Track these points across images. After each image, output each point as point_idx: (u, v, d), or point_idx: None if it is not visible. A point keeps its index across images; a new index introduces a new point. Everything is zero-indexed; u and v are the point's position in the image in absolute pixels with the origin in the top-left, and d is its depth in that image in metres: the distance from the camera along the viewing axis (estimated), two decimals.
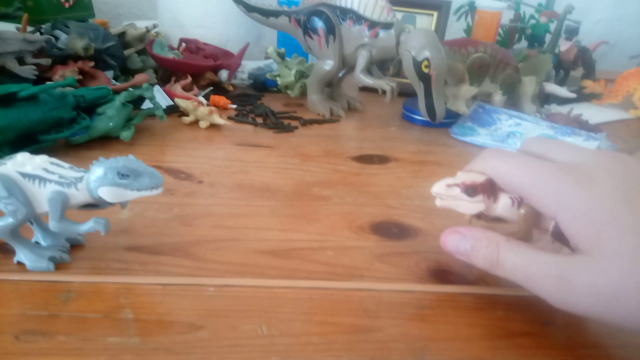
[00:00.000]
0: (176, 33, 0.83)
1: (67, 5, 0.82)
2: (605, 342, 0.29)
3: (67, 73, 0.60)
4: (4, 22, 0.68)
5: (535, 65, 0.71)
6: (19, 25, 0.62)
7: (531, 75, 0.68)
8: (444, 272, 0.35)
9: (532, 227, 0.29)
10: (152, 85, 0.65)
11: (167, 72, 0.72)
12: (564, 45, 0.81)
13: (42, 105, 0.46)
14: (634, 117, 0.75)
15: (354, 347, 0.27)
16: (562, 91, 0.71)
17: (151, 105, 0.55)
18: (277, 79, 0.73)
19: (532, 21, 0.91)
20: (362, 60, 0.61)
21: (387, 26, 0.59)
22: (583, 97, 0.80)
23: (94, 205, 0.32)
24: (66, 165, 0.31)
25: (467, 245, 0.29)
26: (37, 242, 0.33)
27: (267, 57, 0.78)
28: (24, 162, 0.30)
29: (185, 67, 0.70)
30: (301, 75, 0.72)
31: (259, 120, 0.63)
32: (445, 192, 0.30)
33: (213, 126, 0.59)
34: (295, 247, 0.36)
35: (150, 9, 1.10)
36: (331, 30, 0.62)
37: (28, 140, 0.46)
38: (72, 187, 0.30)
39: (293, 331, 0.28)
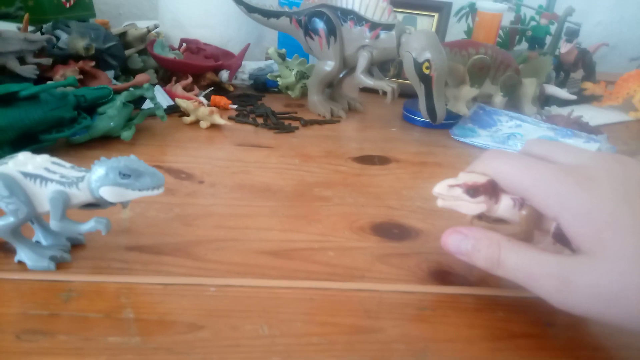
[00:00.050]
0: (177, 33, 0.83)
1: (67, 5, 0.82)
2: (606, 344, 0.29)
3: (68, 73, 0.60)
4: (5, 22, 0.68)
5: (536, 67, 0.71)
6: (20, 25, 0.62)
7: (532, 77, 0.68)
8: (445, 273, 0.35)
9: (533, 228, 0.29)
10: (153, 85, 0.65)
11: (167, 72, 0.72)
12: (564, 47, 0.81)
13: (43, 104, 0.46)
14: (634, 119, 0.75)
15: (355, 348, 0.27)
16: (563, 93, 0.71)
17: (152, 105, 0.55)
18: (278, 79, 0.73)
19: (533, 23, 0.91)
20: (363, 61, 0.61)
21: (388, 27, 0.59)
22: (583, 99, 0.80)
23: (95, 205, 0.32)
24: (67, 164, 0.31)
25: (468, 245, 0.29)
26: (37, 242, 0.33)
27: (267, 58, 0.78)
28: (25, 162, 0.30)
29: (186, 67, 0.70)
30: (302, 76, 0.72)
31: (260, 120, 0.63)
32: (447, 192, 0.30)
33: (214, 126, 0.59)
34: (296, 248, 0.36)
35: (150, 9, 1.10)
36: (332, 31, 0.62)
37: (29, 139, 0.46)
38: (73, 186, 0.30)
39: (294, 331, 0.28)
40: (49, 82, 0.51)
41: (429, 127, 0.64)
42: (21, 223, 0.30)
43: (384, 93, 0.61)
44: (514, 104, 0.69)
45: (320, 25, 0.63)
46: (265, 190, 0.45)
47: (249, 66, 0.79)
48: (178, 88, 0.66)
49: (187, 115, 0.60)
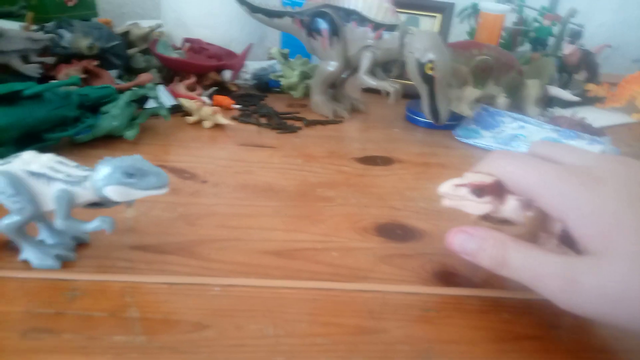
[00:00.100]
0: (180, 33, 0.83)
1: (70, 3, 0.82)
2: (612, 347, 0.29)
3: (71, 72, 0.60)
4: (9, 21, 0.68)
5: (539, 69, 0.71)
6: (24, 24, 0.62)
7: (534, 79, 0.68)
8: (449, 274, 0.35)
9: (538, 229, 0.29)
10: (156, 84, 0.65)
11: (170, 72, 0.72)
12: (567, 49, 0.81)
13: (46, 103, 0.46)
14: (637, 120, 0.75)
15: (359, 349, 0.27)
16: (566, 94, 0.71)
17: (155, 105, 0.55)
18: (281, 79, 0.73)
19: (536, 24, 0.91)
20: (366, 62, 0.61)
21: (391, 28, 0.59)
22: (586, 100, 0.80)
23: (100, 204, 0.32)
24: (72, 163, 0.31)
25: (473, 244, 0.29)
26: (42, 240, 0.33)
27: (270, 58, 0.78)
28: (30, 161, 0.30)
29: (189, 66, 0.70)
30: (305, 76, 0.72)
31: (263, 120, 0.63)
32: (453, 192, 0.30)
33: (216, 126, 0.59)
34: (299, 248, 0.36)
35: (153, 8, 1.10)
36: (335, 31, 0.62)
37: (32, 138, 0.46)
38: (78, 185, 0.30)
39: (298, 331, 0.28)
40: (52, 81, 0.51)
41: (432, 128, 0.64)
42: (26, 222, 0.30)
43: (387, 94, 0.61)
44: (517, 105, 0.69)
45: (323, 25, 0.63)
46: (268, 190, 0.45)
47: (252, 66, 0.80)
48: (181, 87, 0.66)
49: (190, 114, 0.60)
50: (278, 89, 0.75)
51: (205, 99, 0.65)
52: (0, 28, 0.53)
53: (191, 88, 0.68)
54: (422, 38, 0.57)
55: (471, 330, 0.29)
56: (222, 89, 0.73)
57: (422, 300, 0.32)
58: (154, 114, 0.56)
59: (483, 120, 0.66)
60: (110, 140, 0.52)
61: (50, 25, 0.64)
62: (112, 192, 0.30)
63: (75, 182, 0.30)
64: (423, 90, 0.59)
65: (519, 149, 0.59)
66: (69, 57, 0.62)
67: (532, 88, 0.68)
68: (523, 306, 0.31)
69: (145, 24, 0.73)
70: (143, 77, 0.63)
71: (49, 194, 0.30)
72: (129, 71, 0.69)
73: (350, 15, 0.61)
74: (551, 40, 0.88)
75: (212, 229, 0.38)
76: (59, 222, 0.30)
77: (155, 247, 0.35)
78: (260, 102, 0.70)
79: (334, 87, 0.69)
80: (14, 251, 0.32)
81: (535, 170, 0.28)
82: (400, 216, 0.42)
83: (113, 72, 0.65)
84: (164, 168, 0.47)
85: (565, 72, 0.83)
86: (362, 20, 0.61)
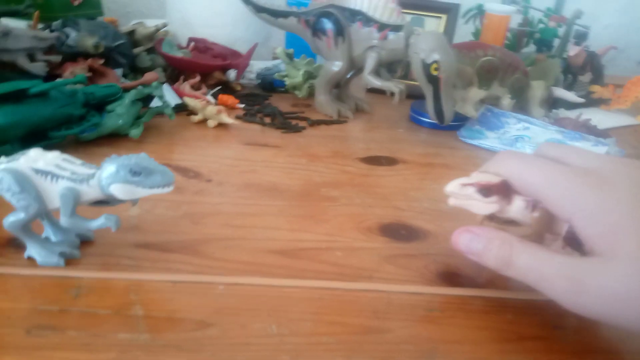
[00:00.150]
0: (185, 32, 0.83)
1: (75, 3, 0.83)
2: (616, 348, 0.29)
3: (77, 70, 0.60)
4: (15, 19, 0.68)
5: (544, 70, 0.70)
6: (30, 23, 0.62)
7: (540, 80, 0.68)
8: (453, 274, 0.34)
9: (544, 231, 0.29)
10: (161, 83, 0.65)
11: (175, 71, 0.72)
12: (572, 50, 0.80)
13: (52, 101, 0.47)
14: None
15: (364, 348, 0.27)
16: (571, 96, 0.71)
17: (160, 104, 0.55)
18: (285, 79, 0.73)
19: (541, 25, 0.91)
20: (371, 62, 0.61)
21: (396, 28, 0.59)
22: (591, 102, 0.79)
23: (104, 201, 0.32)
24: (78, 161, 0.31)
25: (479, 244, 0.29)
26: (47, 238, 0.33)
27: (275, 58, 0.78)
28: (36, 158, 0.30)
29: (193, 66, 0.70)
30: (309, 75, 0.72)
31: (267, 120, 0.63)
32: (460, 191, 0.30)
33: (221, 125, 0.60)
34: (304, 247, 0.36)
35: (158, 7, 1.10)
36: (340, 31, 0.62)
37: (38, 136, 0.46)
38: (84, 183, 0.30)
39: (303, 331, 0.28)
40: (58, 80, 0.51)
41: (436, 129, 0.64)
42: (32, 219, 0.30)
43: (392, 94, 0.61)
44: (521, 106, 0.69)
45: (328, 25, 0.63)
46: (273, 189, 0.45)
47: (257, 66, 0.80)
48: (186, 87, 0.66)
49: (195, 114, 0.60)
50: (282, 89, 0.75)
51: (210, 98, 0.65)
52: (7, 26, 0.53)
53: (196, 87, 0.68)
54: (427, 39, 0.57)
55: (475, 331, 0.29)
56: (227, 88, 0.73)
57: (426, 300, 0.32)
58: (159, 112, 0.56)
59: (487, 121, 0.66)
60: (115, 139, 0.52)
61: (56, 24, 0.64)
62: (118, 190, 0.30)
63: (81, 179, 0.30)
64: (428, 90, 0.59)
65: (523, 150, 0.58)
66: (74, 55, 0.62)
67: (537, 89, 0.68)
68: (527, 307, 0.31)
69: (151, 23, 0.73)
70: (148, 76, 0.63)
71: (54, 192, 0.30)
72: (134, 70, 0.69)
73: (356, 15, 0.61)
74: (556, 42, 0.88)
75: (217, 227, 0.38)
76: (64, 220, 0.30)
77: (160, 245, 0.35)
78: (265, 102, 0.70)
79: (339, 87, 0.69)
80: (19, 248, 0.32)
81: (543, 170, 0.28)
82: (405, 216, 0.42)
83: (118, 71, 0.65)
84: (169, 167, 0.46)
85: (570, 73, 0.83)
86: (367, 20, 0.61)
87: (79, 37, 0.62)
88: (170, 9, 0.87)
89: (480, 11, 0.91)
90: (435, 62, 0.56)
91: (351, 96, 0.71)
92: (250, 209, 0.41)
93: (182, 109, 0.62)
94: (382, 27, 0.60)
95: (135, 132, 0.52)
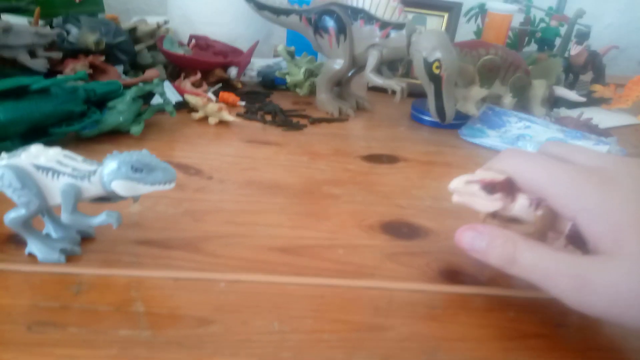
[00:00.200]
0: (186, 29, 0.83)
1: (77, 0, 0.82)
2: (619, 345, 0.29)
3: (78, 67, 0.60)
4: (17, 16, 0.68)
5: (546, 69, 0.70)
6: (31, 19, 0.62)
7: (541, 79, 0.68)
8: (455, 272, 0.34)
9: (547, 229, 0.29)
10: (162, 80, 0.65)
11: (176, 68, 0.72)
12: (574, 49, 0.80)
13: (53, 98, 0.46)
14: None
15: (366, 345, 0.27)
16: (572, 95, 0.71)
17: (161, 101, 0.55)
18: (287, 77, 0.73)
19: (543, 24, 0.91)
20: (372, 60, 0.61)
21: (398, 27, 0.59)
22: (592, 101, 0.79)
23: (105, 198, 0.32)
24: (79, 157, 0.31)
25: (482, 242, 0.29)
26: (48, 234, 0.33)
27: (276, 55, 0.78)
28: (37, 154, 0.30)
29: (194, 63, 0.70)
30: (310, 73, 0.72)
31: (268, 117, 0.63)
32: (464, 188, 0.30)
33: (222, 123, 0.59)
34: (306, 245, 0.36)
35: (159, 4, 1.10)
36: (342, 29, 0.62)
37: (39, 132, 0.46)
38: (85, 179, 0.30)
39: (304, 328, 0.28)
40: (59, 76, 0.51)
41: (437, 127, 0.64)
42: (32, 215, 0.30)
43: (393, 92, 0.61)
44: (523, 105, 0.69)
45: (330, 23, 0.62)
46: (274, 187, 0.45)
47: (258, 63, 0.79)
48: (187, 84, 0.66)
49: (196, 111, 0.60)
50: (284, 87, 0.75)
51: (211, 95, 0.65)
52: (8, 23, 0.53)
53: (197, 85, 0.68)
54: (429, 37, 0.57)
55: (477, 328, 0.29)
56: (228, 85, 0.73)
57: (428, 298, 0.31)
58: (160, 110, 0.56)
59: (489, 120, 0.66)
60: (116, 136, 0.52)
61: (57, 20, 0.64)
62: (119, 187, 0.30)
63: (82, 176, 0.30)
64: (429, 89, 0.58)
65: (525, 148, 0.58)
66: (75, 52, 0.62)
67: (539, 88, 0.68)
68: (529, 304, 0.31)
69: (152, 20, 0.73)
70: (149, 73, 0.63)
71: (55, 188, 0.30)
72: (135, 67, 0.69)
73: (358, 13, 0.61)
74: (558, 41, 0.88)
75: (218, 225, 0.38)
76: (65, 216, 0.30)
77: (161, 242, 0.35)
78: (266, 100, 0.70)
79: (340, 85, 0.69)
80: (20, 245, 0.32)
81: (547, 168, 0.28)
82: (406, 214, 0.42)
83: (119, 68, 0.65)
84: (170, 164, 0.46)
85: (572, 72, 0.83)
86: (369, 18, 0.61)
87: (80, 33, 0.61)
88: (171, 6, 0.87)
89: (482, 10, 0.90)
90: (437, 60, 0.56)
91: (352, 94, 0.71)
92: (251, 207, 0.41)
93: (183, 107, 0.62)
94: (384, 25, 0.60)
95: (136, 129, 0.51)
